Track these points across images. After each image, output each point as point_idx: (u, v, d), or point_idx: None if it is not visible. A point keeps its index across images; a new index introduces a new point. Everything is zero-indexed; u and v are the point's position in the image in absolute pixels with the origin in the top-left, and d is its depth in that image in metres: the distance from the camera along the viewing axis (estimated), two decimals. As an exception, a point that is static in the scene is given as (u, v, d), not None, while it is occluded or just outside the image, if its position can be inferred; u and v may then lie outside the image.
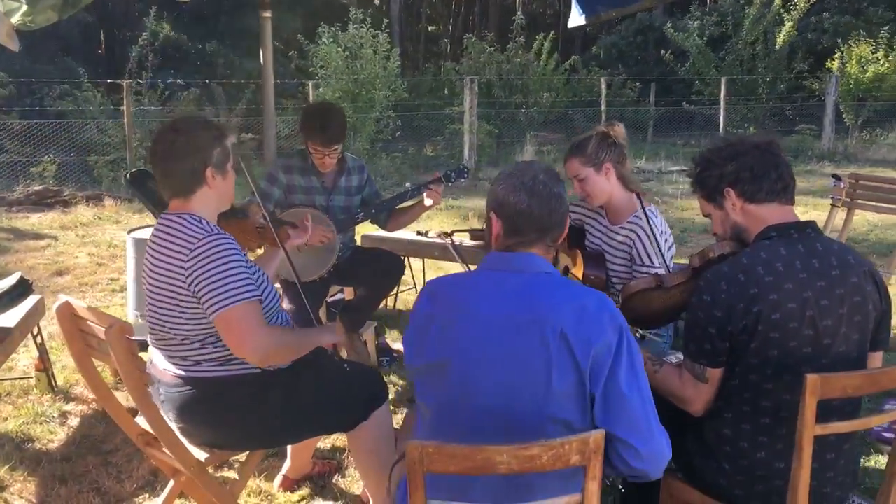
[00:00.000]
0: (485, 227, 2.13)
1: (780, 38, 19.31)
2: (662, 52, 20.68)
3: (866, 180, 4.83)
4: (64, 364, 4.47)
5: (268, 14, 4.64)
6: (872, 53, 18.34)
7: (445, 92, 19.28)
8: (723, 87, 14.78)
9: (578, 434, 1.74)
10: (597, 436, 1.72)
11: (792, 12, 18.82)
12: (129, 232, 4.93)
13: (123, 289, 6.05)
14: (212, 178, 2.51)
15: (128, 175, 4.72)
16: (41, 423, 3.79)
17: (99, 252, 7.46)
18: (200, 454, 2.60)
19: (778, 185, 2.29)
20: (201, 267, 2.36)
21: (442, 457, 1.70)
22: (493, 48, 18.56)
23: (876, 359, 2.30)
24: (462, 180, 4.03)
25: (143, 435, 2.75)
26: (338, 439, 3.55)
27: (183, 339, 2.48)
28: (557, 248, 3.48)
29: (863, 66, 18.23)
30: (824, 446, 2.17)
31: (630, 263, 3.22)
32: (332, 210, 4.03)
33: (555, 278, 1.98)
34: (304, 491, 3.22)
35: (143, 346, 3.52)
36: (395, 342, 4.85)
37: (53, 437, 3.70)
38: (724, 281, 2.18)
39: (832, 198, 4.29)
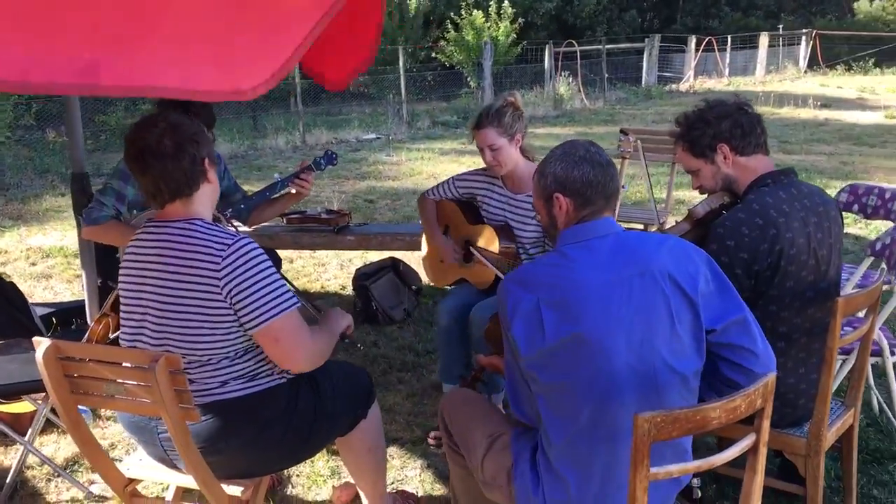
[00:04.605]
0: (539, 216, 2.19)
1: (413, 7, 20.55)
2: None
3: (645, 134, 5.53)
4: None
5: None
6: (485, 21, 20.25)
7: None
8: (401, 57, 15.31)
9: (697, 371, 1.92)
10: (771, 378, 1.88)
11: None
12: None
13: None
14: (209, 171, 2.28)
15: None
16: None
17: None
18: (234, 489, 2.29)
19: (762, 139, 2.62)
20: (239, 276, 2.13)
21: (667, 424, 1.74)
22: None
23: None
24: (332, 166, 3.83)
25: (128, 486, 2.36)
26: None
27: (209, 359, 2.19)
28: (457, 225, 3.56)
29: (477, 32, 20.08)
30: (821, 358, 2.56)
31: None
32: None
33: (635, 232, 2.12)
34: (267, 510, 2.95)
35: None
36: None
37: None
38: (745, 226, 2.44)
39: (622, 151, 4.80)
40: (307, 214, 4.91)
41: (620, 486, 1.97)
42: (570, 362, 1.92)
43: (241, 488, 2.30)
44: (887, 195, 3.76)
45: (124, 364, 2.04)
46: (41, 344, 2.06)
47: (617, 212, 3.66)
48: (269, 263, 2.18)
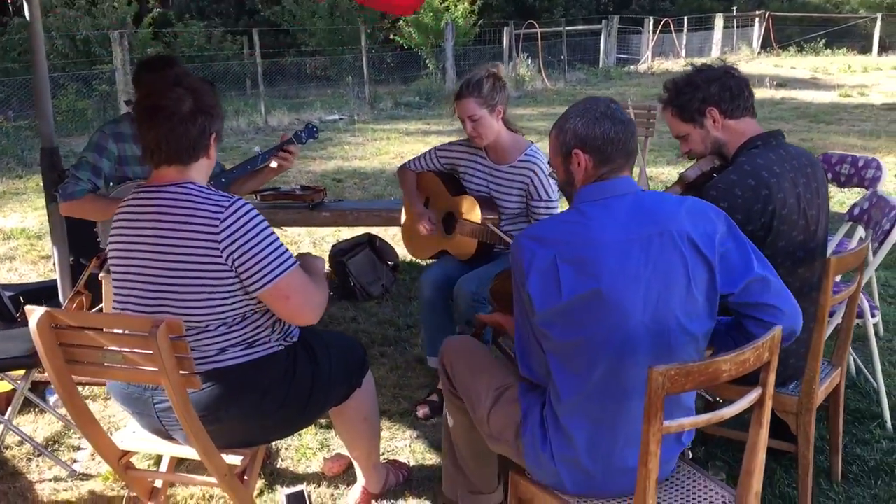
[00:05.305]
0: (555, 173, 2.15)
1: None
2: (257, 3, 20.57)
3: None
4: None
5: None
6: (442, 3, 20.13)
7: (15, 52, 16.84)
8: (363, 36, 15.13)
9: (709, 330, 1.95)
10: (778, 331, 1.90)
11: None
12: None
13: None
14: (212, 147, 2.26)
15: None
16: None
17: None
18: (234, 458, 2.26)
19: (750, 102, 2.64)
20: (240, 238, 2.10)
21: (680, 377, 1.74)
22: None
23: None
24: (312, 140, 3.78)
25: (122, 458, 2.32)
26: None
27: (207, 326, 2.16)
28: (438, 196, 3.54)
29: (435, 14, 19.97)
30: (810, 317, 2.60)
31: (525, 199, 3.36)
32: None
33: (653, 192, 2.09)
34: (259, 483, 2.91)
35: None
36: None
37: None
38: (738, 187, 2.46)
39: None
40: (281, 191, 4.84)
41: (629, 443, 1.98)
42: (586, 319, 1.91)
43: (241, 458, 2.27)
44: (860, 163, 3.82)
45: (124, 331, 1.99)
46: (34, 312, 1.99)
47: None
48: (267, 223, 2.17)
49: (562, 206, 4.05)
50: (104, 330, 2.01)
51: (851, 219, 3.44)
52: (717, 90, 2.59)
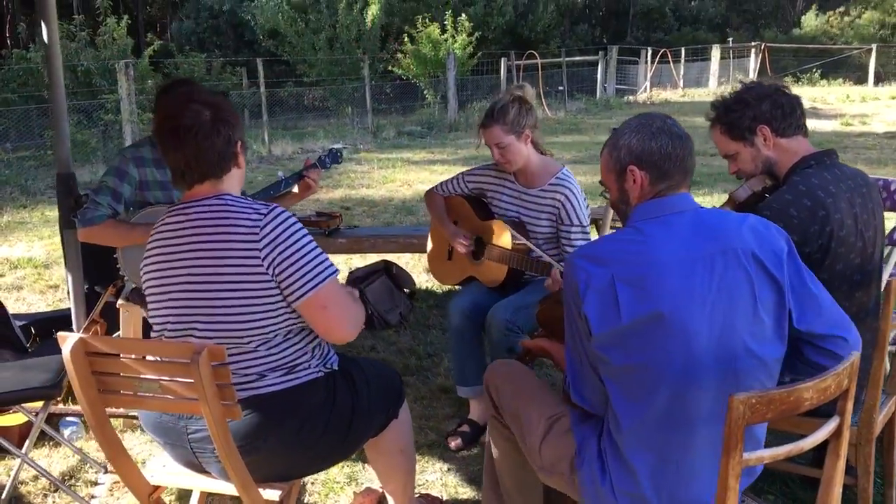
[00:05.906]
0: (609, 192, 2.06)
1: (369, 20, 20.43)
2: (259, 35, 20.66)
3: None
4: None
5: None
6: (441, 34, 20.23)
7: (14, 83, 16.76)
8: (366, 67, 15.15)
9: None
10: (856, 358, 1.79)
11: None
12: None
13: None
14: (240, 155, 2.19)
15: None
16: None
17: None
18: (272, 493, 2.13)
19: (801, 120, 2.56)
20: (280, 245, 2.03)
21: (762, 405, 1.63)
22: (83, 31, 16.80)
23: None
24: (336, 165, 3.70)
25: (153, 493, 2.19)
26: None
27: (249, 342, 2.06)
28: (466, 221, 3.44)
29: (434, 45, 20.06)
30: (867, 343, 2.50)
31: (555, 223, 3.26)
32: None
33: (712, 209, 2.00)
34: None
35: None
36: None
37: None
38: (793, 207, 2.37)
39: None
40: (297, 217, 4.74)
41: (696, 475, 1.86)
42: (647, 343, 1.80)
43: (279, 492, 2.14)
44: (892, 187, 3.75)
45: (162, 358, 1.88)
46: (68, 339, 1.88)
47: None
48: (306, 231, 2.10)
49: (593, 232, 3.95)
50: (140, 357, 1.90)
51: (891, 243, 3.35)
52: (769, 108, 2.52)
